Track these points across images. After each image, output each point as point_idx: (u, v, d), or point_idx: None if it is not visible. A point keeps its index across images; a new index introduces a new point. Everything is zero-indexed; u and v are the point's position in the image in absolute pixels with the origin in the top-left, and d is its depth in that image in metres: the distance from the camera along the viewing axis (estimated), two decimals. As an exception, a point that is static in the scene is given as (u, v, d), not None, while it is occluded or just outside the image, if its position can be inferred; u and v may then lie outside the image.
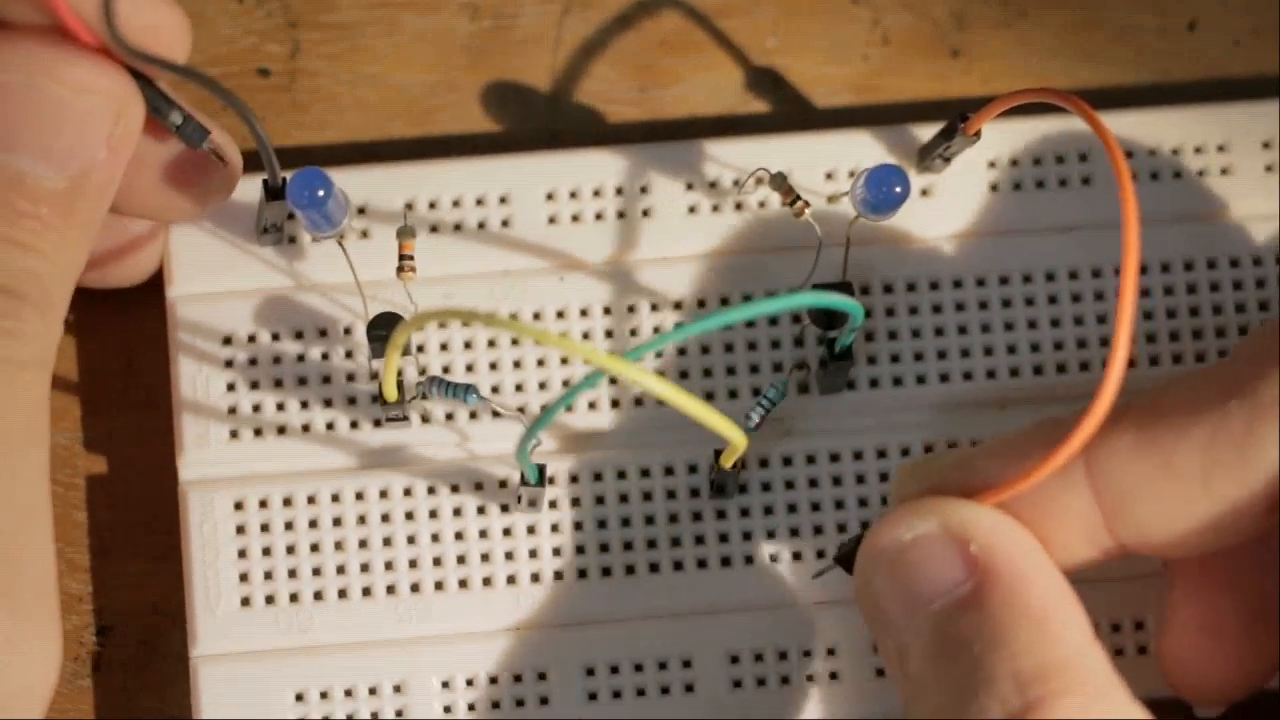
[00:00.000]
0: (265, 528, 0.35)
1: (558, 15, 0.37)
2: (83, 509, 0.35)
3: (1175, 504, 0.29)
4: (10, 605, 0.30)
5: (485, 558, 0.35)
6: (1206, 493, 0.29)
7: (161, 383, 0.35)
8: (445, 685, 0.34)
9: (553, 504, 0.35)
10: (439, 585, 0.35)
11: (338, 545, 0.35)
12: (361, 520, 0.35)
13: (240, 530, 0.35)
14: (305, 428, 0.35)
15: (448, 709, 0.34)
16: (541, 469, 0.34)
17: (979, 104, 0.34)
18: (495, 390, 0.35)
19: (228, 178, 0.33)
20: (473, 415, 0.35)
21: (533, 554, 0.35)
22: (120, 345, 0.36)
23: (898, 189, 0.33)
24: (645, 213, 0.36)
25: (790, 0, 0.38)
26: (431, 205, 0.36)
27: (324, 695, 0.34)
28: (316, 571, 0.35)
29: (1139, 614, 0.35)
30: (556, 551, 0.35)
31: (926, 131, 0.36)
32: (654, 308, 0.36)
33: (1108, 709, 0.28)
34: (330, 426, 0.35)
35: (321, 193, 0.32)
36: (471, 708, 0.34)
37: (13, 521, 0.30)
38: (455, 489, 0.35)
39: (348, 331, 0.35)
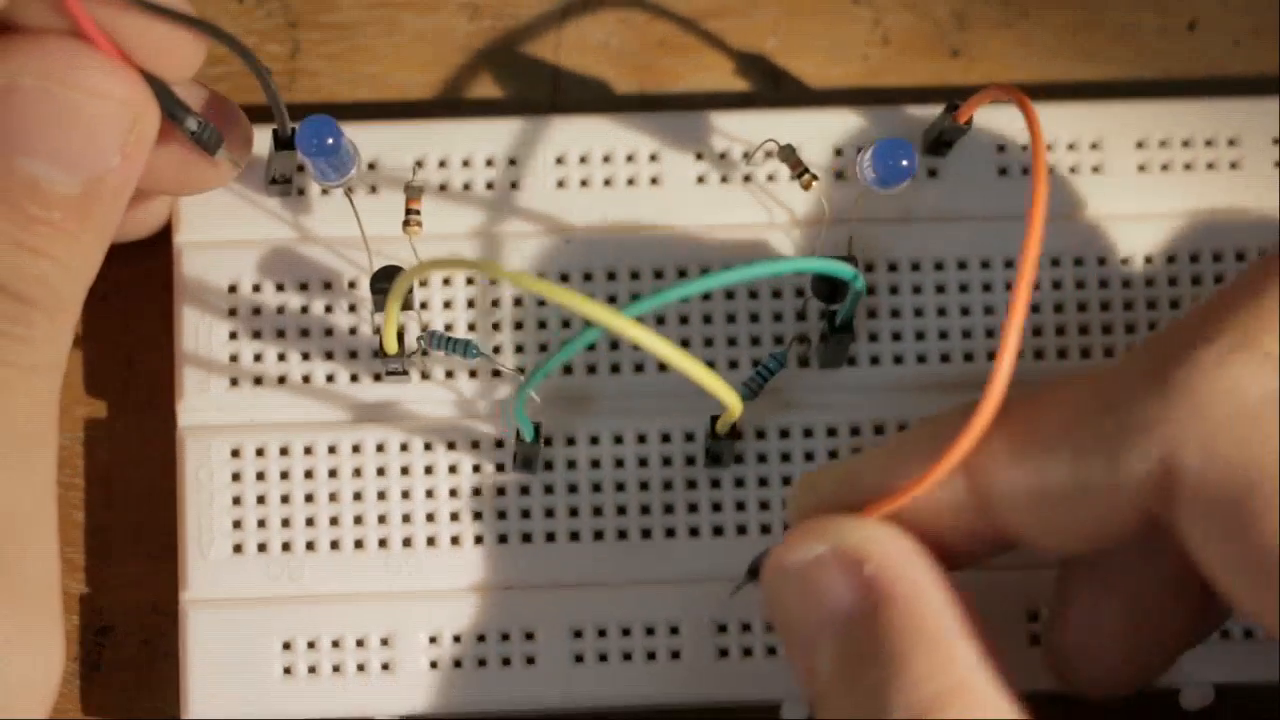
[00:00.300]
0: (261, 476, 0.35)
1: (558, 15, 0.38)
2: (82, 509, 0.35)
3: (1048, 512, 0.30)
4: (14, 608, 0.30)
5: (478, 515, 0.35)
6: (1077, 505, 0.29)
7: (163, 383, 0.36)
8: (433, 640, 0.34)
9: (548, 465, 0.35)
10: (431, 541, 0.35)
11: (332, 497, 0.35)
12: (357, 473, 0.35)
13: (236, 478, 0.35)
14: (305, 379, 0.35)
15: (434, 664, 0.34)
16: (537, 428, 0.34)
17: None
18: (496, 349, 0.35)
19: (242, 145, 0.33)
20: (472, 374, 0.35)
21: (525, 514, 0.35)
22: (120, 345, 0.36)
23: (904, 163, 0.33)
24: (653, 180, 0.36)
25: (790, 0, 0.38)
26: (441, 164, 0.36)
27: (311, 645, 0.34)
28: (310, 522, 0.35)
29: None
30: (549, 513, 0.35)
31: (933, 113, 0.36)
32: (658, 275, 0.36)
33: None
34: (330, 379, 0.35)
35: (330, 140, 0.32)
36: (458, 664, 0.34)
37: (17, 525, 0.30)
38: (451, 446, 0.35)
39: (352, 285, 0.35)
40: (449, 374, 0.35)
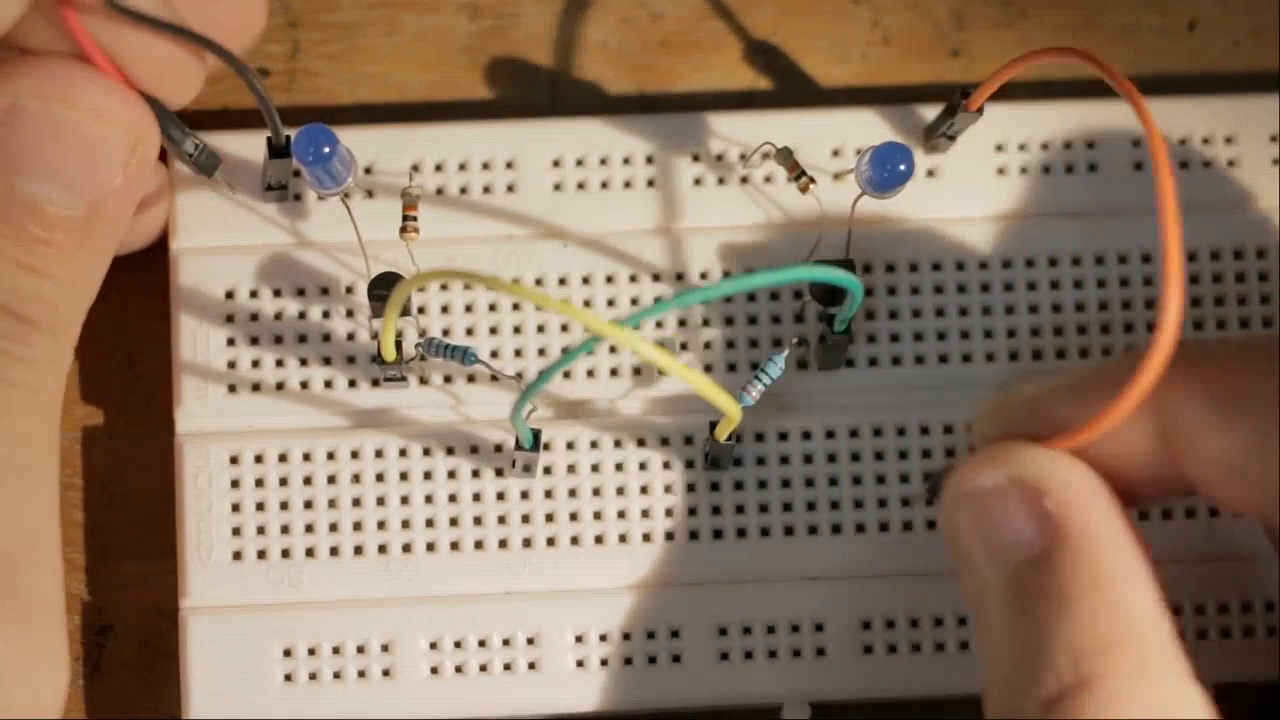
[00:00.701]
0: (260, 483, 0.35)
1: (558, 15, 0.37)
2: (82, 509, 0.35)
3: (1241, 453, 0.29)
4: (22, 629, 0.30)
5: (478, 521, 0.35)
6: (1271, 447, 0.29)
7: (161, 384, 0.36)
8: (433, 646, 0.34)
9: (547, 470, 0.35)
10: (430, 546, 0.35)
11: (331, 503, 0.35)
12: (356, 479, 0.35)
13: (234, 484, 0.35)
14: (303, 385, 0.35)
15: (435, 670, 0.34)
16: (537, 434, 0.34)
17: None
18: (494, 355, 0.35)
19: None
20: (470, 379, 0.35)
21: (525, 519, 0.35)
22: (120, 345, 0.36)
23: (902, 167, 0.33)
24: (650, 183, 0.36)
25: (790, 0, 0.38)
26: (437, 168, 0.36)
27: (312, 651, 0.34)
28: (309, 528, 0.35)
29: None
30: (550, 518, 0.35)
31: (933, 112, 0.36)
32: (655, 278, 0.36)
33: (1157, 691, 0.28)
34: (328, 385, 0.35)
35: (326, 149, 0.32)
36: (459, 670, 0.34)
37: (23, 546, 0.30)
38: (450, 451, 0.35)
39: (349, 291, 0.35)
40: (447, 379, 0.35)
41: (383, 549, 0.35)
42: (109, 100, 0.30)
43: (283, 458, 0.35)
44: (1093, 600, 0.29)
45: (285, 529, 0.35)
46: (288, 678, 0.34)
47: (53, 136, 0.30)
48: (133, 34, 0.30)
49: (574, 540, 0.35)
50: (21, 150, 0.30)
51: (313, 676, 0.34)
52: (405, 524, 0.35)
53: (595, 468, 0.35)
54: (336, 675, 0.34)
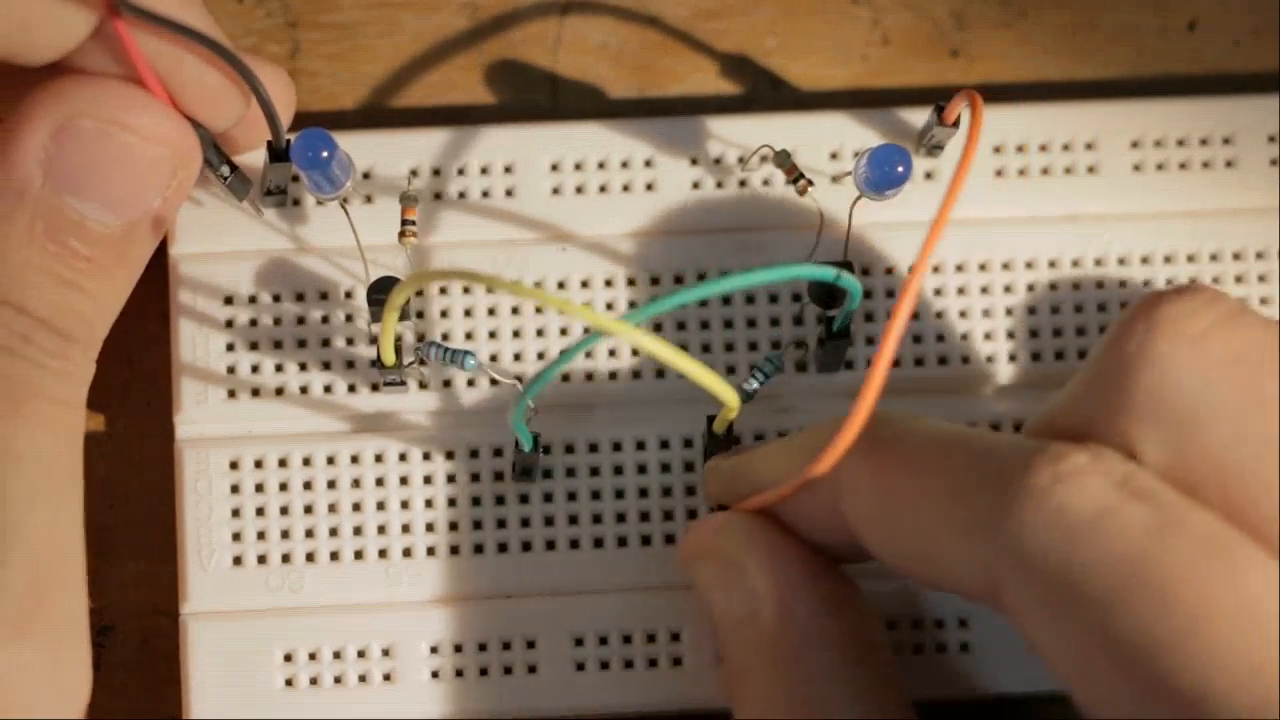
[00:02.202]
0: (260, 488, 0.35)
1: (558, 15, 0.37)
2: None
3: (899, 560, 0.30)
4: (51, 644, 0.30)
5: (477, 524, 0.35)
6: (915, 562, 0.30)
7: (162, 384, 0.36)
8: (434, 650, 0.34)
9: (547, 473, 0.35)
10: (431, 550, 0.35)
11: (331, 508, 0.35)
12: (356, 483, 0.35)
13: (234, 489, 0.35)
14: (303, 390, 0.35)
15: (435, 674, 0.34)
16: (536, 437, 0.34)
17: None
18: (494, 359, 0.35)
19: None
20: (470, 383, 0.35)
21: (525, 522, 0.35)
22: (120, 345, 0.36)
23: (900, 168, 0.33)
24: (649, 186, 0.36)
25: (790, 0, 0.38)
26: (436, 172, 0.36)
27: (312, 656, 0.34)
28: (309, 533, 0.35)
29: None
30: (549, 521, 0.35)
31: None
32: (654, 281, 0.36)
33: None
34: (328, 389, 0.35)
35: (325, 153, 0.32)
36: (459, 673, 0.34)
37: (54, 564, 0.31)
38: (450, 455, 0.35)
39: (348, 295, 0.35)
40: (446, 383, 0.35)
41: (383, 553, 0.35)
42: (159, 123, 0.31)
43: (282, 463, 0.35)
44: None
45: (285, 534, 0.35)
46: (289, 682, 0.34)
47: (103, 156, 0.31)
48: (185, 60, 0.31)
49: (574, 543, 0.35)
50: (75, 169, 0.30)
51: (313, 681, 0.34)
52: (405, 528, 0.35)
53: (595, 470, 0.35)
54: (337, 680, 0.34)
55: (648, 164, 0.36)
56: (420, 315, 0.35)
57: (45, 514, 0.30)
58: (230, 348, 0.35)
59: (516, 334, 0.35)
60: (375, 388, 0.35)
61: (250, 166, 0.35)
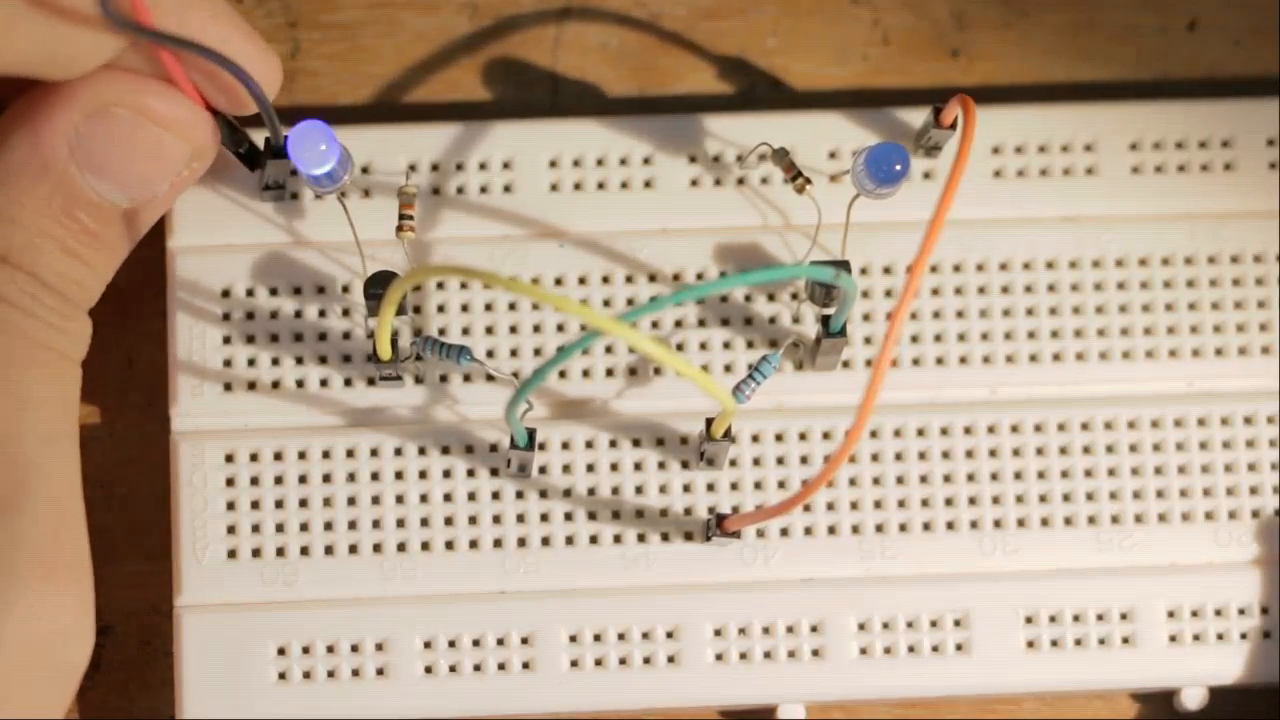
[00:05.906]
0: (255, 481, 0.35)
1: (557, 15, 0.37)
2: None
3: None
4: (70, 582, 0.32)
5: (473, 520, 0.35)
6: None
7: (161, 384, 0.36)
8: (427, 645, 0.34)
9: (542, 470, 0.35)
10: (425, 546, 0.35)
11: (326, 502, 0.35)
12: (351, 478, 0.35)
13: (230, 482, 0.35)
14: (299, 384, 0.35)
15: (429, 669, 0.34)
16: (531, 433, 0.34)
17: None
18: (490, 354, 0.35)
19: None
20: (466, 378, 0.35)
21: (520, 519, 0.35)
22: (120, 345, 0.36)
23: (898, 167, 0.33)
24: (647, 184, 0.36)
25: (790, 0, 0.38)
26: (434, 167, 0.36)
27: (306, 650, 0.34)
28: (304, 527, 0.35)
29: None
30: (544, 517, 0.35)
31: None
32: (651, 279, 0.36)
33: None
34: (324, 383, 0.35)
35: (323, 147, 0.32)
36: (453, 669, 0.34)
37: (66, 501, 0.32)
38: (445, 450, 0.35)
39: (345, 290, 0.35)
40: (443, 378, 0.35)
41: (378, 548, 0.35)
42: (188, 119, 0.33)
43: (278, 456, 0.35)
44: None
45: (280, 527, 0.35)
46: (282, 676, 0.34)
47: (131, 143, 0.32)
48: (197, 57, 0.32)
49: (569, 540, 0.35)
50: (104, 151, 0.32)
51: (307, 675, 0.34)
52: (400, 523, 0.35)
53: (590, 467, 0.35)
54: (331, 674, 0.34)
55: (646, 161, 0.36)
56: (417, 310, 0.35)
57: (59, 457, 0.32)
58: (227, 341, 0.35)
59: (513, 330, 0.35)
60: (371, 382, 0.35)
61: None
